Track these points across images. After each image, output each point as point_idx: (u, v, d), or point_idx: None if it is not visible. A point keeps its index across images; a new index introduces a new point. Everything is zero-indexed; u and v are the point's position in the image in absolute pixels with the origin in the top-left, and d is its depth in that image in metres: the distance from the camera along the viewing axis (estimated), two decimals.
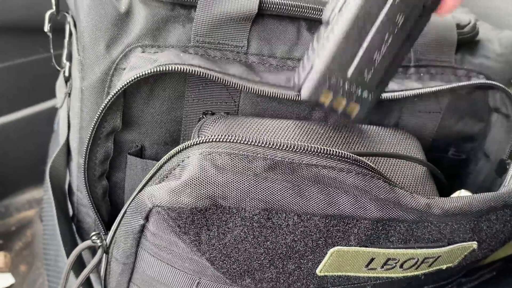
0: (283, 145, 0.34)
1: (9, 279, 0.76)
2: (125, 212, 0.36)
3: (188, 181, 0.33)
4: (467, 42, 0.48)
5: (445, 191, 0.46)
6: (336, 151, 0.35)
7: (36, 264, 0.79)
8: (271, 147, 0.34)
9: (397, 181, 0.42)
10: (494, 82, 0.46)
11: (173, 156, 0.35)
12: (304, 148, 0.34)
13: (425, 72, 0.46)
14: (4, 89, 0.80)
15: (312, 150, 0.34)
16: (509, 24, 0.58)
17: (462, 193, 0.43)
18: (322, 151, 0.35)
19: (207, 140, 0.34)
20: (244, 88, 0.39)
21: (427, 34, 0.46)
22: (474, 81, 0.47)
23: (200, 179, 0.33)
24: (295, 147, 0.34)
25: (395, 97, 0.43)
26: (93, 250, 0.49)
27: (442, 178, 0.45)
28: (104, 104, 0.38)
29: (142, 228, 0.36)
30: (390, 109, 0.46)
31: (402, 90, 0.44)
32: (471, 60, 0.48)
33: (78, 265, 0.47)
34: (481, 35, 0.49)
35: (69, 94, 0.47)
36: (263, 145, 0.34)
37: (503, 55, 0.48)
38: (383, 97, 0.43)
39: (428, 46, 0.46)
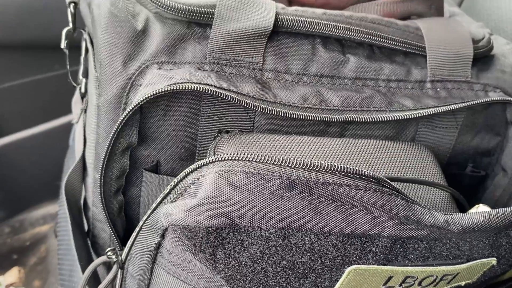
0: (299, 163, 0.34)
1: None
2: (140, 229, 0.36)
3: (203, 200, 0.33)
4: (482, 56, 0.48)
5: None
6: (353, 169, 0.34)
7: (50, 280, 0.79)
8: (287, 165, 0.34)
9: None
10: (510, 98, 0.45)
11: (188, 174, 0.35)
12: (320, 166, 0.34)
13: (441, 87, 0.46)
14: (21, 104, 0.82)
15: (329, 168, 0.34)
16: None
17: (480, 207, 0.43)
18: (339, 169, 0.34)
19: (223, 159, 0.34)
20: (257, 108, 0.40)
21: (443, 49, 0.46)
22: (492, 95, 0.47)
23: (216, 198, 0.33)
24: (312, 165, 0.34)
25: (412, 116, 0.43)
26: (108, 265, 0.49)
27: (465, 204, 0.45)
28: (120, 120, 0.38)
29: (158, 245, 0.36)
30: (407, 124, 0.46)
31: (418, 109, 0.43)
32: (487, 75, 0.47)
33: (93, 281, 0.47)
34: (496, 49, 0.49)
35: (85, 110, 0.47)
36: (278, 163, 0.34)
37: None
38: (398, 117, 0.43)
39: (444, 61, 0.46)
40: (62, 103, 0.76)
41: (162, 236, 0.35)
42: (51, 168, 0.80)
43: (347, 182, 0.34)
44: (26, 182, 0.87)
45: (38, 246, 0.86)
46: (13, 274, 0.79)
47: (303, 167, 0.34)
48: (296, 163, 0.34)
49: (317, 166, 0.34)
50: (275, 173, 0.33)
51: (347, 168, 0.34)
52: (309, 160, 0.34)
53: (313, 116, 0.41)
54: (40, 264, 0.83)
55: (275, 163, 0.34)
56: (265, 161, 0.34)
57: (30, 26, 0.73)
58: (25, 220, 0.89)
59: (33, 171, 0.87)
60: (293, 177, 0.33)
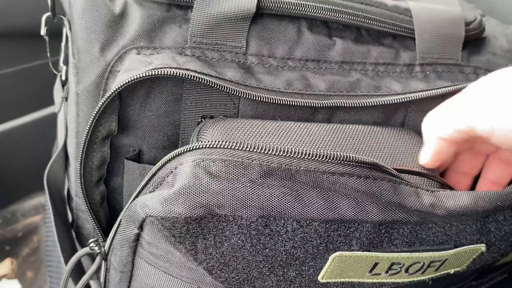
0: (279, 151, 0.33)
1: (16, 285, 0.76)
2: (120, 220, 0.36)
3: (181, 189, 0.31)
4: (474, 39, 0.47)
5: None
6: (335, 155, 0.33)
7: (42, 270, 0.79)
8: (266, 153, 0.33)
9: None
10: None
11: (166, 162, 0.33)
12: (301, 153, 0.33)
13: (431, 70, 0.45)
14: (9, 94, 0.80)
15: (309, 154, 0.33)
16: None
17: None
18: (320, 156, 0.33)
19: (200, 146, 0.33)
20: (241, 94, 0.38)
21: (433, 32, 0.45)
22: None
23: (194, 188, 0.31)
24: (292, 152, 0.33)
25: (400, 100, 0.42)
26: (92, 257, 0.48)
27: None
28: (98, 108, 0.37)
29: (137, 237, 0.35)
30: (396, 109, 0.45)
31: (406, 93, 0.42)
32: (478, 57, 0.46)
33: (78, 272, 0.46)
34: (487, 31, 0.48)
35: (66, 98, 0.46)
36: (258, 150, 0.33)
37: (511, 51, 0.47)
38: (386, 102, 0.42)
39: (433, 44, 0.45)
40: (51, 92, 0.75)
41: (141, 228, 0.34)
42: (42, 158, 0.79)
43: (329, 169, 0.33)
44: (17, 172, 0.86)
45: (30, 236, 0.86)
46: (6, 266, 0.79)
47: (283, 155, 0.33)
48: (276, 150, 0.33)
49: (297, 153, 0.33)
50: (254, 161, 0.32)
51: (329, 154, 0.33)
52: (289, 147, 0.33)
53: (299, 101, 0.40)
54: (33, 255, 0.83)
55: (255, 150, 0.33)
56: (244, 149, 0.33)
57: (17, 13, 0.72)
58: (17, 210, 0.88)
59: (24, 161, 0.86)
60: (273, 164, 0.32)
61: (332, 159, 0.33)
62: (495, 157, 0.43)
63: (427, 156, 0.40)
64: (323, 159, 0.33)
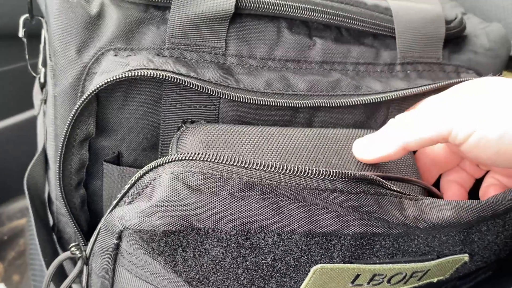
0: (259, 165, 0.32)
1: None
2: (100, 229, 0.35)
3: (159, 202, 0.31)
4: (455, 37, 0.46)
5: None
6: (317, 171, 0.33)
7: (28, 274, 0.78)
8: (246, 167, 0.32)
9: None
10: None
11: (145, 173, 0.33)
12: (281, 168, 0.32)
13: (411, 69, 0.45)
14: None
15: (290, 170, 0.32)
16: (498, 17, 0.57)
17: None
18: (301, 172, 0.32)
19: (180, 158, 0.32)
20: (220, 95, 0.38)
21: (413, 31, 0.45)
22: (464, 76, 0.46)
23: (172, 201, 0.31)
24: (272, 167, 0.32)
25: (380, 99, 0.42)
26: (75, 260, 0.48)
27: (441, 197, 0.43)
28: (75, 110, 0.36)
29: (117, 246, 0.34)
30: (377, 108, 0.45)
31: (386, 92, 0.42)
32: (459, 56, 0.46)
33: (61, 276, 0.45)
34: (468, 29, 0.47)
35: (45, 101, 0.46)
36: (238, 164, 0.32)
37: (492, 50, 0.47)
38: (367, 101, 0.42)
39: (414, 42, 0.45)
40: (32, 94, 0.75)
41: (119, 238, 0.33)
42: (27, 161, 0.78)
43: (310, 185, 0.32)
44: (1, 175, 0.85)
45: (16, 240, 0.85)
46: None
47: (264, 169, 0.32)
48: (256, 165, 0.32)
49: (277, 168, 0.32)
50: (234, 175, 0.32)
51: (310, 170, 0.32)
52: (269, 162, 0.32)
53: (279, 102, 0.40)
54: (19, 258, 0.82)
55: (234, 164, 0.32)
56: (223, 162, 0.32)
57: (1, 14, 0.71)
58: (3, 214, 0.88)
59: (8, 163, 0.85)
60: (253, 179, 0.32)
61: (314, 175, 0.33)
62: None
63: (373, 155, 0.38)
64: (304, 175, 0.33)
